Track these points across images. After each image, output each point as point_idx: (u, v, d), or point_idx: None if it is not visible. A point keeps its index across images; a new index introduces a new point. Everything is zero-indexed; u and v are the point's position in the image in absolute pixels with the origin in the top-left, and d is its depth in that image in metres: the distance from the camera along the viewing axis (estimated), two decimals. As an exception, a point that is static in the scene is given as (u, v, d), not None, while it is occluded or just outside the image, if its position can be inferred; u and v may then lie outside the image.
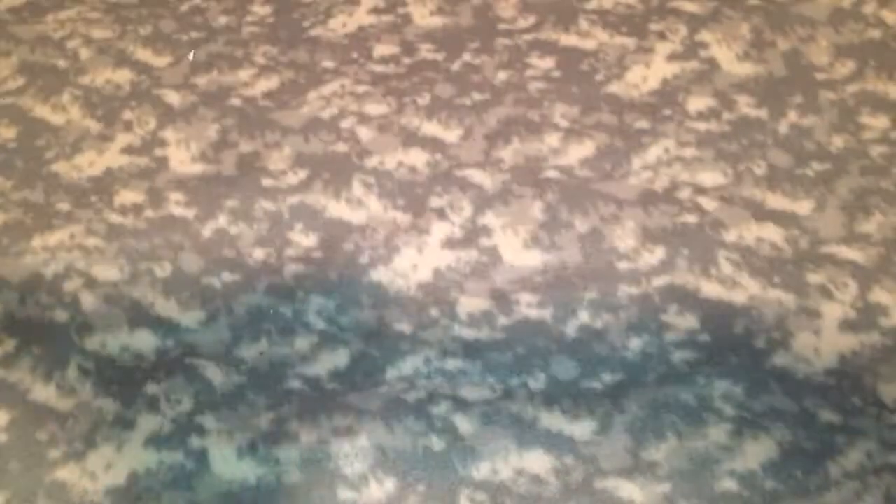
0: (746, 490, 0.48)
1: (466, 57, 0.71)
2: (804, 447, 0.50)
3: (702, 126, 0.66)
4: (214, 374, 0.53)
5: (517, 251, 0.60)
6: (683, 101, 0.68)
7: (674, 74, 0.69)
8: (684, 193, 0.62)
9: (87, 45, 0.74)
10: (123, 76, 0.71)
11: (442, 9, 0.75)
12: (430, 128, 0.67)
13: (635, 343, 0.55)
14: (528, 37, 0.73)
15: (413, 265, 0.59)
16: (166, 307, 0.57)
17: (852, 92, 0.68)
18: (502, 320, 0.56)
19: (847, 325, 0.56)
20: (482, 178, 0.63)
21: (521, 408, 0.51)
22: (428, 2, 0.76)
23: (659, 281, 0.58)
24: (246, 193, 0.63)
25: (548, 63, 0.71)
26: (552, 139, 0.65)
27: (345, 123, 0.67)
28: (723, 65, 0.70)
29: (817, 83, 0.69)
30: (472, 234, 0.61)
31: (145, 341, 0.55)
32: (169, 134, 0.67)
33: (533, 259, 0.59)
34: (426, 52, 0.72)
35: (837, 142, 0.66)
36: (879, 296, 0.57)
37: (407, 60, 0.71)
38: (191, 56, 0.73)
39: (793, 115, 0.67)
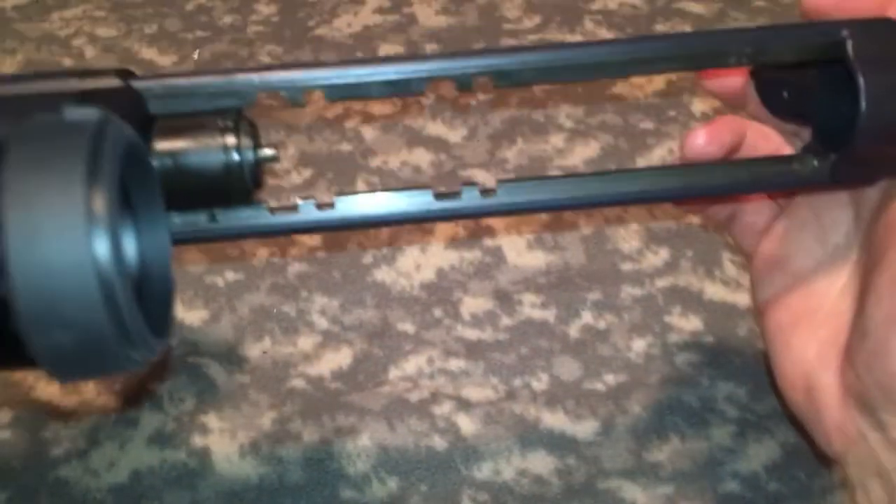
0: (749, 492, 0.48)
1: (471, 57, 0.71)
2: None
3: (706, 127, 0.66)
4: (217, 372, 0.53)
5: (521, 252, 0.60)
6: (688, 103, 0.67)
7: (679, 75, 0.69)
8: (689, 195, 0.62)
9: (93, 43, 0.74)
10: (128, 75, 0.71)
11: (447, 8, 0.75)
12: (435, 128, 0.67)
13: (638, 344, 0.55)
14: (533, 37, 0.73)
15: (416, 265, 0.59)
16: (170, 306, 0.57)
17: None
18: (505, 321, 0.56)
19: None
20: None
21: (523, 408, 0.51)
22: (433, 1, 0.75)
23: (662, 282, 0.58)
24: (250, 192, 0.63)
25: (552, 63, 0.70)
26: (557, 139, 0.65)
27: (349, 123, 0.67)
28: (728, 66, 0.70)
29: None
30: (476, 235, 0.61)
31: (148, 340, 0.55)
32: (173, 133, 0.67)
33: (536, 260, 0.59)
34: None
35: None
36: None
37: (411, 60, 0.71)
38: (195, 55, 0.73)
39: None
